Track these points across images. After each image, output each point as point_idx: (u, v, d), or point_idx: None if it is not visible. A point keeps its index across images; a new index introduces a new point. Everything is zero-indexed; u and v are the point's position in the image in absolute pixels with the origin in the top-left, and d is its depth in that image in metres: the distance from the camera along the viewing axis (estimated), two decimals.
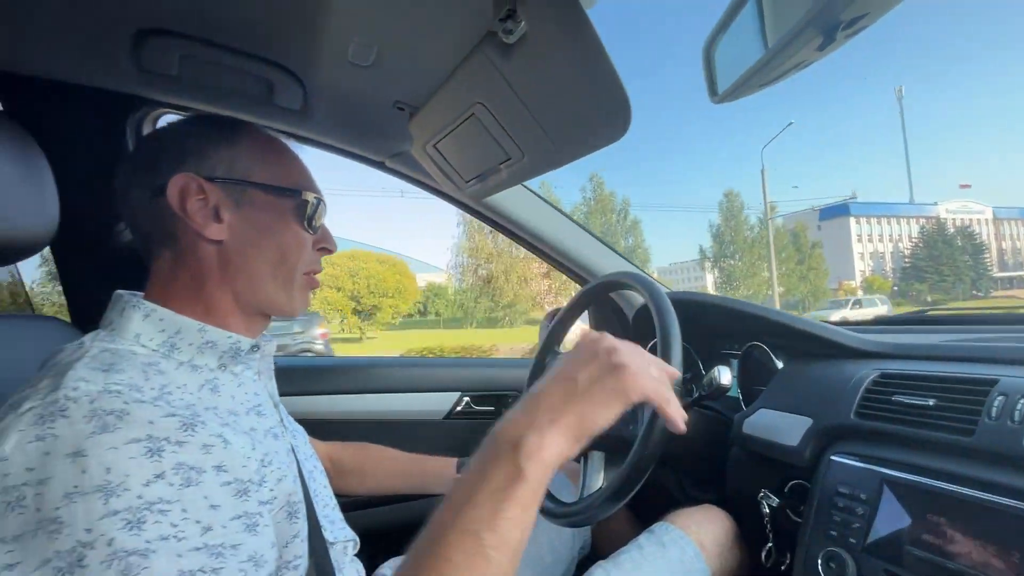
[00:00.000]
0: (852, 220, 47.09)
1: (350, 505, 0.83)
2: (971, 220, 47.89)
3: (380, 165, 1.06)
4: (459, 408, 1.21)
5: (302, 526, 0.51)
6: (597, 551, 0.97)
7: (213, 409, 0.46)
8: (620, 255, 1.23)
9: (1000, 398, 0.53)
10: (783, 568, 0.72)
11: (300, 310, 0.60)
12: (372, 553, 0.75)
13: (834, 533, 0.59)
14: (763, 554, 0.74)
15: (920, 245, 40.08)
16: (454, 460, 0.89)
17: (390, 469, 0.89)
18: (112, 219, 0.83)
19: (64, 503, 0.34)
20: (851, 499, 0.59)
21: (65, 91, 0.78)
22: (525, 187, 1.13)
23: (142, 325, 0.49)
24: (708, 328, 1.01)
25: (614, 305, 1.26)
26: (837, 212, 47.71)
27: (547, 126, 0.65)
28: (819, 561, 0.59)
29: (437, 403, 1.19)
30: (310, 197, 0.58)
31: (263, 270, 0.55)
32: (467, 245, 22.10)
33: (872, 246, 47.48)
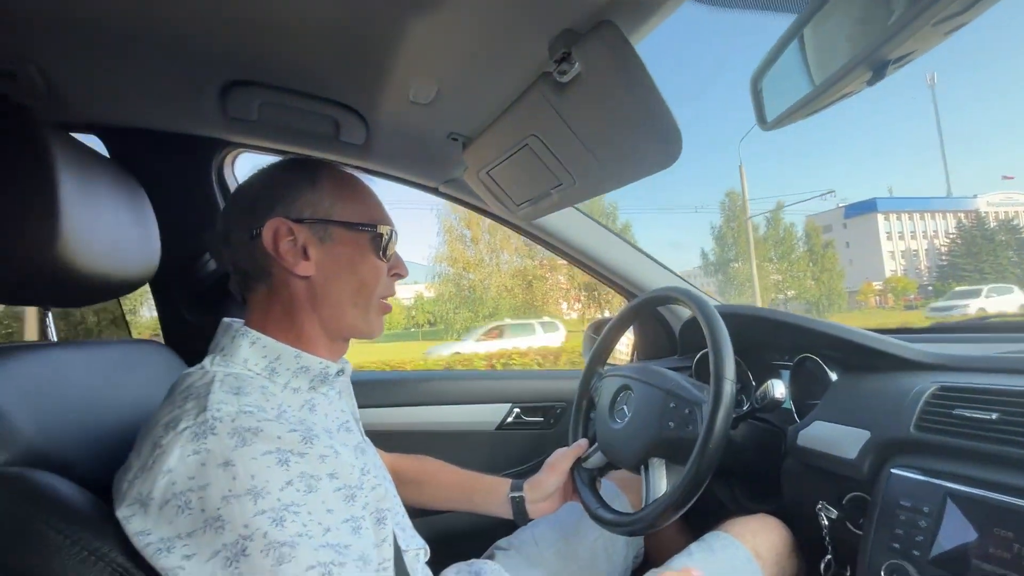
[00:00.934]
0: (880, 217, 43.77)
1: (412, 514, 0.88)
2: (1017, 212, 43.77)
3: (434, 191, 1.12)
4: (510, 419, 1.25)
5: (388, 532, 0.56)
6: (650, 561, 0.99)
7: (315, 427, 0.52)
8: (667, 269, 1.25)
9: None
10: None
11: (377, 333, 0.66)
12: (435, 560, 0.80)
13: (897, 546, 0.60)
14: (822, 566, 0.74)
15: (958, 242, 37.28)
16: (508, 481, 0.91)
17: (445, 482, 0.93)
18: (199, 252, 0.92)
19: (223, 504, 0.41)
20: (914, 512, 0.60)
21: (161, 139, 0.87)
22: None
23: (249, 351, 0.55)
24: (758, 340, 1.02)
25: (660, 318, 1.28)
26: (864, 209, 44.58)
27: (599, 155, 0.69)
28: (882, 572, 0.59)
29: (489, 414, 1.24)
30: (384, 230, 0.64)
31: (345, 299, 0.61)
32: (447, 254, 21.96)
33: (904, 244, 44.04)
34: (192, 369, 0.53)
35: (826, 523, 0.72)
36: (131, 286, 0.71)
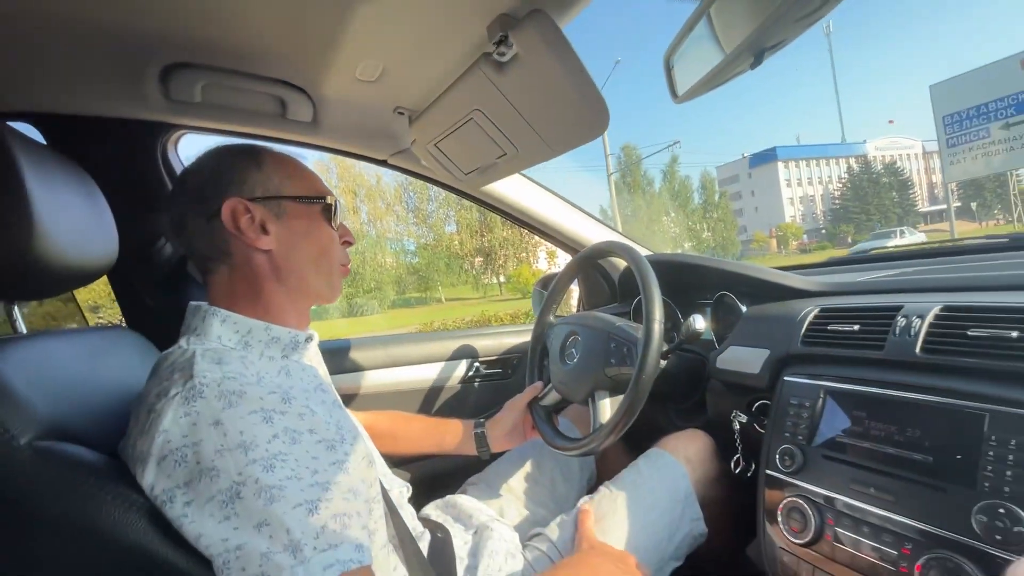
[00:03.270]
0: (780, 165, 46.51)
1: (390, 463, 0.97)
2: (900, 156, 47.41)
3: (382, 163, 1.16)
4: (471, 373, 1.35)
5: (376, 472, 0.64)
6: (601, 480, 1.14)
7: (292, 389, 0.57)
8: (606, 224, 1.37)
9: (902, 319, 0.69)
10: (748, 475, 0.90)
11: (337, 296, 0.72)
12: (416, 501, 0.90)
13: (788, 435, 0.76)
14: (732, 463, 0.91)
15: (848, 186, 39.92)
16: (472, 421, 1.02)
17: (416, 430, 1.02)
18: (155, 237, 0.93)
19: (216, 457, 0.46)
20: (800, 407, 0.76)
21: (100, 124, 0.86)
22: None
23: (221, 328, 0.59)
24: (684, 283, 1.16)
25: (602, 270, 1.41)
26: (765, 159, 47.18)
27: (538, 128, 0.76)
28: (776, 456, 0.75)
29: (452, 371, 1.33)
30: (331, 200, 0.69)
31: (308, 267, 0.66)
32: None
33: (802, 190, 46.99)
34: (171, 349, 0.57)
35: (738, 428, 0.89)
36: (94, 275, 0.70)
